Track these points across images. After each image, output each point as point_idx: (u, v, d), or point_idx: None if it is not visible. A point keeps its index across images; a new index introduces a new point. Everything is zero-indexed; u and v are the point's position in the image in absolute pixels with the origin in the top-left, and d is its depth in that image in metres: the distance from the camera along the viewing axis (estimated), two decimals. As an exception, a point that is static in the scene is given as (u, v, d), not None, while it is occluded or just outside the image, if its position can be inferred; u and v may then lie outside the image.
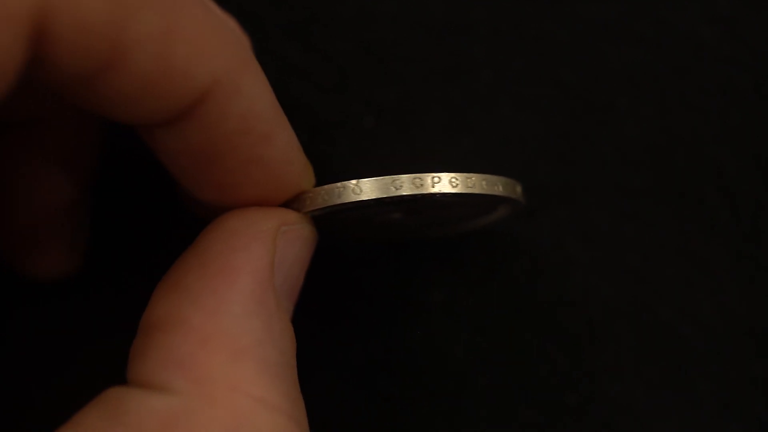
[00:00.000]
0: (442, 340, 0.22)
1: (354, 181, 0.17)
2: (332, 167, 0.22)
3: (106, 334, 0.20)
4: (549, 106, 0.23)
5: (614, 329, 0.22)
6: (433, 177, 0.17)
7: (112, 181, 0.21)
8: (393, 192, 0.17)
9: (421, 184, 0.17)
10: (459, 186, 0.17)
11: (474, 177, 0.17)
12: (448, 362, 0.22)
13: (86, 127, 0.19)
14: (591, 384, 0.22)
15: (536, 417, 0.22)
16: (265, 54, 0.21)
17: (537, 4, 0.24)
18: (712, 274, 0.23)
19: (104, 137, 0.20)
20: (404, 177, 0.17)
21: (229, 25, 0.16)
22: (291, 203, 0.17)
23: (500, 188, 0.18)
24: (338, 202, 0.17)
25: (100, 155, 0.20)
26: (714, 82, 0.24)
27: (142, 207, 0.22)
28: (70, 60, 0.13)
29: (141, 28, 0.14)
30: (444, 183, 0.17)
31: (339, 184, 0.17)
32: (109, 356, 0.17)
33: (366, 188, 0.17)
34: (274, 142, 0.16)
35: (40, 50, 0.13)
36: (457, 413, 0.22)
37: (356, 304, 0.22)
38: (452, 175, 0.17)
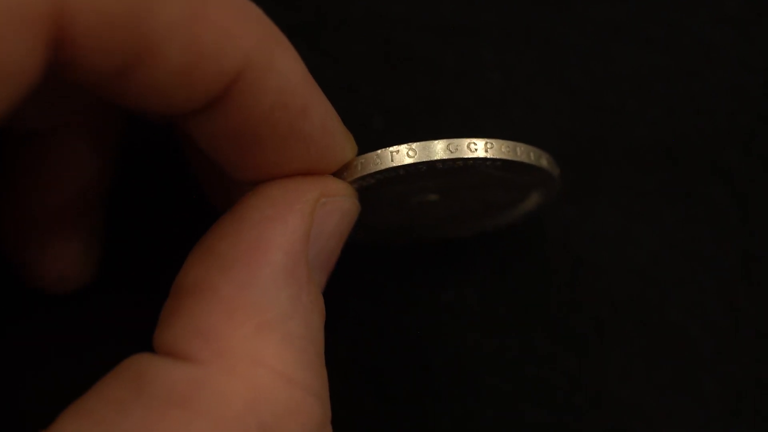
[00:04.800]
0: (450, 341, 0.22)
1: (406, 145, 0.17)
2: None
3: (117, 346, 0.20)
4: (558, 108, 0.23)
5: (622, 330, 0.22)
6: (487, 142, 0.17)
7: (126, 191, 0.21)
8: (450, 155, 0.17)
9: (476, 149, 0.17)
10: (509, 153, 0.17)
11: (522, 146, 0.17)
12: (456, 362, 0.22)
13: (106, 130, 0.19)
14: (598, 384, 0.22)
15: (543, 417, 0.22)
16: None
17: (546, 6, 0.24)
18: (720, 275, 0.23)
19: (120, 141, 0.20)
20: (461, 141, 0.17)
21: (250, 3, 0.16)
22: (339, 173, 0.17)
23: (544, 162, 0.18)
24: (391, 165, 0.17)
25: (116, 159, 0.20)
26: (722, 84, 0.24)
27: (155, 218, 0.22)
28: (94, 60, 0.13)
29: (165, 17, 0.13)
30: (495, 149, 0.17)
31: (392, 148, 0.17)
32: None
33: (420, 151, 0.17)
34: (312, 114, 0.16)
35: (62, 53, 0.13)
36: (463, 413, 0.22)
37: (363, 304, 0.22)
38: (503, 142, 0.17)
